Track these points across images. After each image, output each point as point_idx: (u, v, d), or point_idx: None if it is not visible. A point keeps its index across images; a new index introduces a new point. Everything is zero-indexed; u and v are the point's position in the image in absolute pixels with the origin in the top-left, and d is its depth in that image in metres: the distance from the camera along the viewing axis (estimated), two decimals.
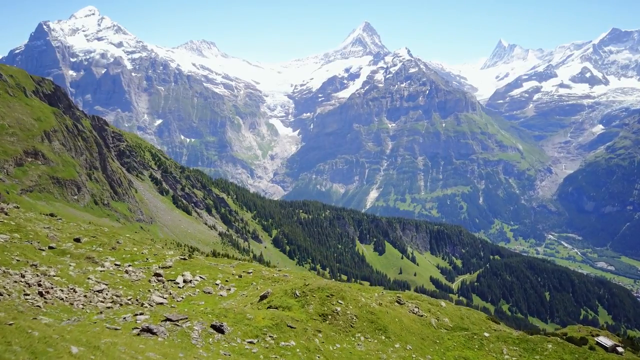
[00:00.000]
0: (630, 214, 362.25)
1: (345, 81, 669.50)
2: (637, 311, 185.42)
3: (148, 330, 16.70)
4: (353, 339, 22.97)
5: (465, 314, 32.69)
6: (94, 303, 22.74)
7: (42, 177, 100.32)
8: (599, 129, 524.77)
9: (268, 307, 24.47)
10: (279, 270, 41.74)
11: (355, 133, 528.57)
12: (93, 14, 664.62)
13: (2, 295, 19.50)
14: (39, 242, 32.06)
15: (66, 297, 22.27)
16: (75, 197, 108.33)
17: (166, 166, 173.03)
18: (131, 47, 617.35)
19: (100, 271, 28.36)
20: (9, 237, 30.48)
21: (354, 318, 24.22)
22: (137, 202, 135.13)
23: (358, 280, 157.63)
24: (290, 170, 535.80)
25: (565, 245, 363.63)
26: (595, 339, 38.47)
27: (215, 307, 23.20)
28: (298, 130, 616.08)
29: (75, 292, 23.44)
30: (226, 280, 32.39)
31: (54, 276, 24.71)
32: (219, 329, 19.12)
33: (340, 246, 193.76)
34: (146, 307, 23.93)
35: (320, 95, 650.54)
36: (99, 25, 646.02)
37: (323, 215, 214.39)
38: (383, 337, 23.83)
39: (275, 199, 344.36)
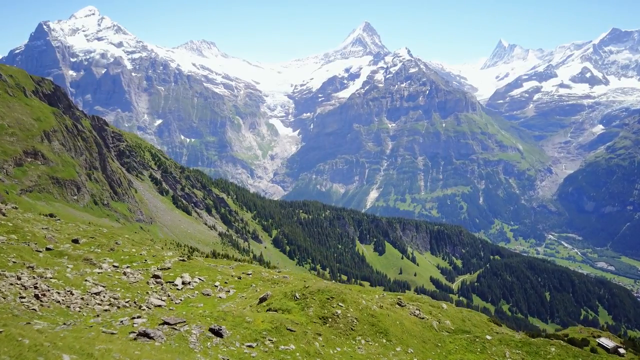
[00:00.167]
0: (630, 214, 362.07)
1: (345, 81, 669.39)
2: (638, 311, 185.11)
3: (145, 334, 16.40)
4: (354, 342, 22.68)
5: (467, 316, 32.39)
6: (91, 306, 22.44)
7: (41, 177, 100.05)
8: (599, 129, 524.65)
9: (267, 310, 24.17)
10: (278, 272, 41.46)
11: (355, 133, 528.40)
12: (93, 14, 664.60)
13: None
14: (36, 244, 31.75)
15: (63, 300, 21.96)
16: (75, 197, 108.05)
17: (166, 166, 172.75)
18: (131, 47, 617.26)
19: (98, 273, 28.05)
20: (5, 239, 30.17)
21: (355, 321, 23.92)
22: (137, 202, 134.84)
23: (358, 281, 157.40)
24: (290, 170, 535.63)
25: (566, 245, 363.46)
26: (597, 340, 38.18)
27: (214, 310, 22.90)
28: (298, 130, 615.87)
29: (72, 294, 23.13)
30: (225, 282, 32.09)
31: (51, 278, 24.40)
32: (217, 333, 18.82)
33: (340, 246, 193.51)
34: (144, 309, 23.63)
35: (320, 95, 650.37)
36: (99, 25, 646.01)
37: (323, 215, 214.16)
38: (384, 341, 23.53)
39: (275, 199, 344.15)
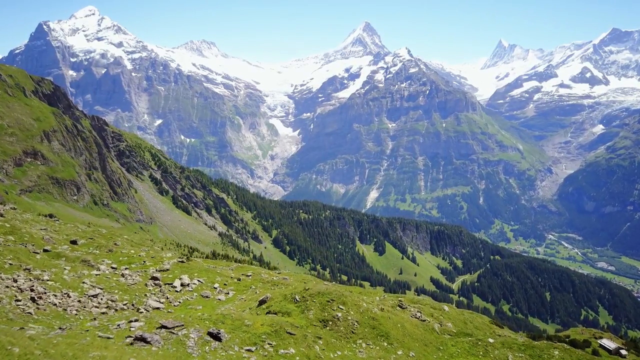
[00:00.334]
0: (630, 214, 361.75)
1: (345, 81, 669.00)
2: (638, 311, 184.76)
3: (142, 339, 16.10)
4: (354, 345, 22.36)
5: (469, 318, 32.07)
6: (88, 308, 22.11)
7: (41, 177, 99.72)
8: (599, 129, 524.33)
9: (267, 313, 23.86)
10: (278, 273, 41.15)
11: (356, 133, 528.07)
12: (93, 14, 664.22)
13: None
14: (33, 245, 31.42)
15: (59, 303, 21.64)
16: (75, 197, 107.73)
17: (166, 166, 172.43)
18: (131, 47, 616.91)
19: (96, 275, 27.72)
20: (2, 240, 29.83)
21: (355, 324, 23.61)
22: (137, 202, 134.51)
23: (358, 281, 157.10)
24: (290, 171, 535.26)
25: (566, 245, 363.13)
26: (599, 341, 37.92)
27: (212, 313, 22.59)
28: (298, 130, 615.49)
29: (69, 297, 22.81)
30: (224, 284, 31.79)
31: (48, 280, 24.07)
32: (216, 337, 18.52)
33: (340, 246, 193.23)
34: (142, 312, 23.31)
35: (320, 95, 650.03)
36: (99, 25, 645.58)
37: (323, 215, 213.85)
38: (385, 344, 23.22)
39: (275, 199, 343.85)
